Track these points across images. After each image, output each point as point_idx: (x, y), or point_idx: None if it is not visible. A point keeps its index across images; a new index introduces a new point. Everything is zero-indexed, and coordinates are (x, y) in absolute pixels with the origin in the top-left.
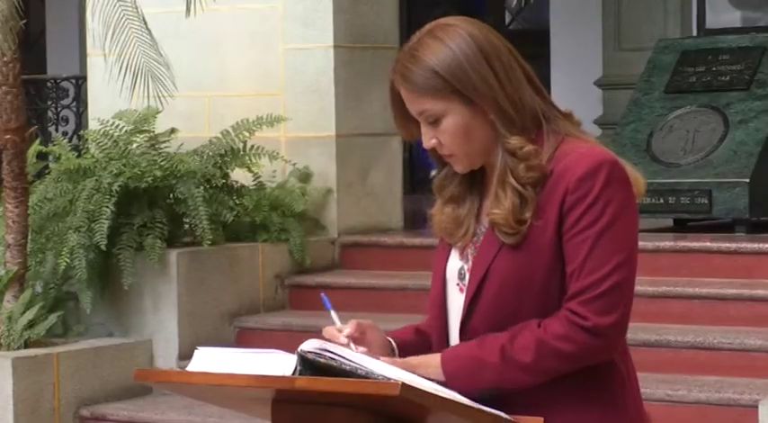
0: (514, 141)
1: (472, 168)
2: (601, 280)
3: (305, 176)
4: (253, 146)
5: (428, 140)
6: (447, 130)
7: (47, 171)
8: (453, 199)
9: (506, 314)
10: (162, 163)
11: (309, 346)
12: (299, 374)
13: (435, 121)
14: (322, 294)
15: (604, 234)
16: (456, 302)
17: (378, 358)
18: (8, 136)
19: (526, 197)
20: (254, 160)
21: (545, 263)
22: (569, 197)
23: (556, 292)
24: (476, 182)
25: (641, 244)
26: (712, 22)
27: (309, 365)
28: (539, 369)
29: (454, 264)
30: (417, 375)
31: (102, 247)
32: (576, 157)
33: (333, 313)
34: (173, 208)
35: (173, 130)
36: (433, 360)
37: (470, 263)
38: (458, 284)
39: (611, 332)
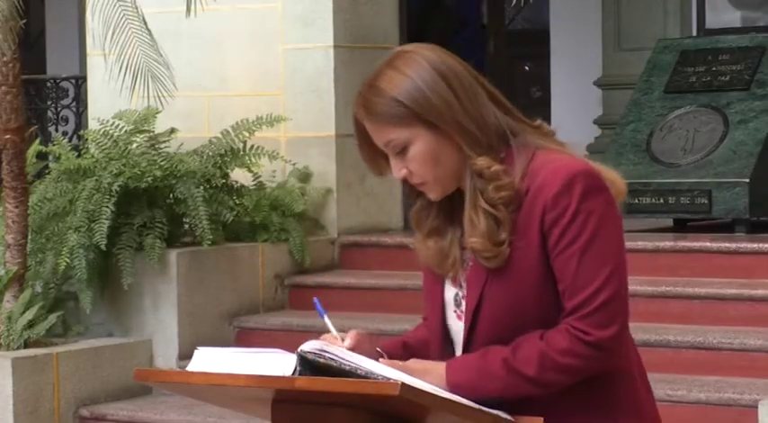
0: (481, 162)
1: (446, 194)
2: (594, 294)
3: (305, 176)
4: (253, 146)
5: (398, 171)
6: (415, 158)
7: (47, 171)
8: (434, 231)
9: (506, 337)
10: (162, 163)
11: (309, 346)
12: (299, 374)
13: (403, 151)
14: (315, 299)
15: (589, 248)
16: (456, 328)
17: (377, 360)
18: (8, 136)
19: (499, 218)
20: (253, 160)
21: (535, 282)
22: (548, 215)
23: (552, 308)
24: (455, 210)
25: (641, 244)
26: (712, 22)
27: (309, 365)
28: (542, 381)
29: (450, 291)
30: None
31: (102, 247)
32: (549, 172)
33: (326, 319)
34: (173, 208)
35: (173, 130)
36: (435, 368)
37: (465, 290)
38: (455, 311)
39: (613, 344)
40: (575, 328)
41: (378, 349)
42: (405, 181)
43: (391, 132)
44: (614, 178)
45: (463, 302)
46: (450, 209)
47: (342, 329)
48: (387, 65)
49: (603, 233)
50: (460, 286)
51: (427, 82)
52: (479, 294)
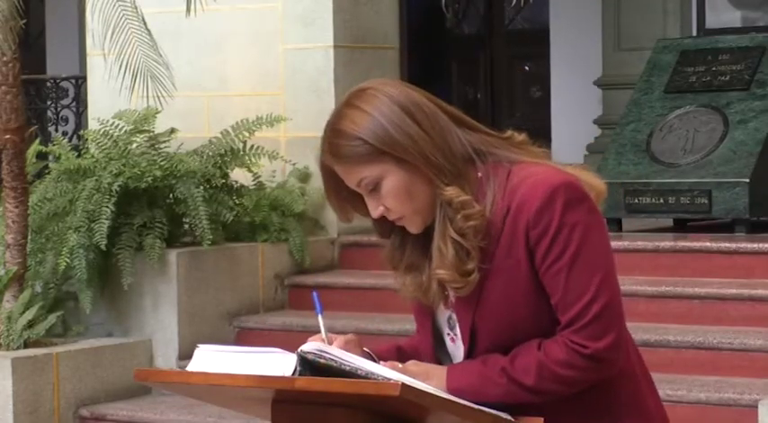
0: (449, 191)
1: (426, 225)
2: (587, 306)
3: (304, 176)
4: (252, 146)
5: (375, 209)
6: (389, 193)
7: (47, 171)
8: (410, 267)
9: (507, 350)
10: (162, 163)
11: (310, 347)
12: (299, 375)
13: (376, 188)
14: (314, 293)
15: (576, 261)
16: (451, 349)
17: (377, 362)
18: (8, 136)
19: (467, 248)
20: (253, 160)
21: (527, 299)
22: (532, 232)
23: (548, 321)
24: (429, 243)
25: (641, 244)
26: (712, 21)
27: (309, 366)
28: (540, 391)
29: (443, 313)
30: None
31: (102, 247)
32: (528, 188)
33: (320, 317)
34: (173, 208)
35: (172, 130)
36: (436, 372)
37: (456, 313)
38: (448, 334)
39: (611, 354)
40: (572, 342)
41: (365, 349)
42: (376, 222)
43: (361, 172)
44: (592, 181)
45: (457, 325)
46: (426, 243)
47: (339, 331)
48: (346, 105)
49: (589, 243)
50: (453, 308)
51: (388, 117)
52: (471, 322)
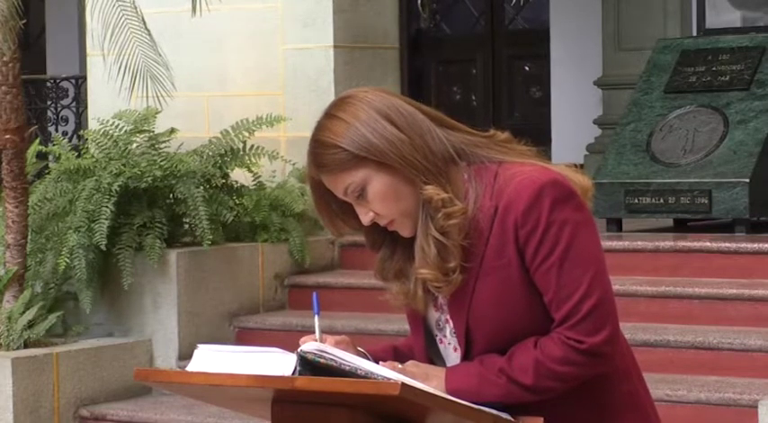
0: (429, 190)
1: (417, 227)
2: (580, 302)
3: (304, 176)
4: (253, 146)
5: (365, 215)
6: (375, 197)
7: (47, 171)
8: (398, 275)
9: (503, 351)
10: (162, 163)
11: (310, 347)
12: (299, 375)
13: (362, 194)
14: (314, 295)
15: (567, 257)
16: (443, 352)
17: (377, 362)
18: (8, 136)
19: (448, 246)
20: (253, 160)
21: (521, 298)
22: (521, 232)
23: (543, 319)
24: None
25: (641, 244)
26: (712, 21)
27: (309, 366)
28: (539, 389)
29: (433, 316)
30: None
31: (102, 247)
32: (515, 189)
33: (316, 319)
34: (173, 208)
35: (172, 130)
36: (435, 373)
37: (446, 313)
38: (437, 336)
39: (606, 349)
40: (568, 338)
41: (360, 349)
42: (367, 234)
43: (345, 179)
44: (578, 178)
45: (446, 327)
46: (413, 251)
47: (339, 331)
48: (325, 116)
49: (578, 240)
50: (442, 310)
51: (365, 122)
52: (465, 321)
